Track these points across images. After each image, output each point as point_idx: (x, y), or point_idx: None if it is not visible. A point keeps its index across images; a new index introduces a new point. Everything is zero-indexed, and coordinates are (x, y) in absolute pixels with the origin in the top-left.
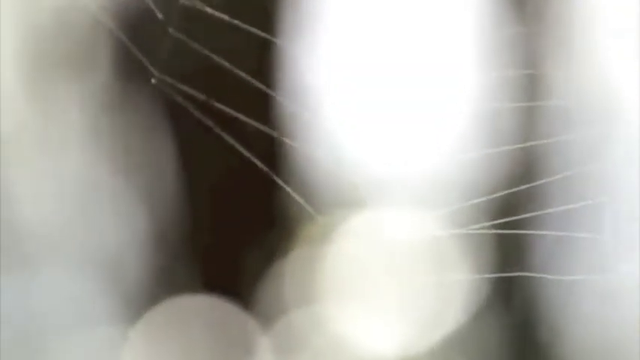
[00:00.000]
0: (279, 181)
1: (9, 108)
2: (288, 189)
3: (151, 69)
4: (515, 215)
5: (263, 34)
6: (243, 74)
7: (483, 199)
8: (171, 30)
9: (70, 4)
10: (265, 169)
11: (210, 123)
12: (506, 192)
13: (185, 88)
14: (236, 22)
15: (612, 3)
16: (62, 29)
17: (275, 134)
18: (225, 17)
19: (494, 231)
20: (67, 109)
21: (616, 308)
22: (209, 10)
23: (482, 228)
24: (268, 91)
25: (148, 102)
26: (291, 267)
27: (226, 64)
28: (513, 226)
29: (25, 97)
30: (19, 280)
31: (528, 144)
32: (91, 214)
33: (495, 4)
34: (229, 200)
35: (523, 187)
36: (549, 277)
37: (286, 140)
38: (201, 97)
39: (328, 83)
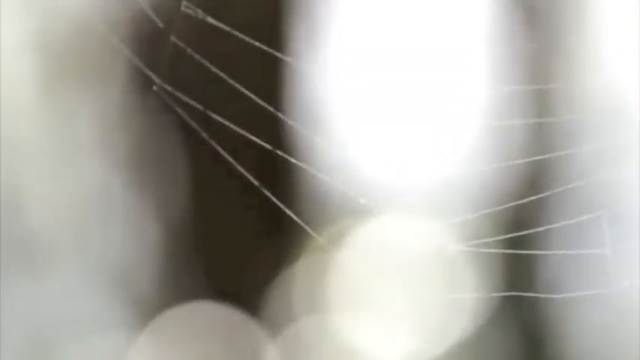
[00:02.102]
0: (275, 200)
1: (23, 119)
2: (286, 210)
3: (153, 77)
4: (522, 229)
5: (266, 48)
6: (243, 88)
7: (491, 210)
8: (172, 38)
9: (78, 17)
10: (257, 183)
11: (205, 134)
12: (514, 204)
13: (185, 98)
14: (237, 34)
15: (621, 17)
16: (75, 40)
17: (276, 148)
18: (227, 28)
19: (501, 249)
20: (80, 119)
21: (623, 323)
22: (210, 19)
23: (490, 242)
24: (267, 105)
25: (157, 112)
26: (299, 275)
27: (229, 78)
28: (521, 240)
29: (39, 108)
30: (29, 287)
31: (537, 157)
32: (101, 222)
33: (505, 18)
34: (238, 208)
35: (531, 198)
36: (556, 291)
37: (288, 153)
38: (199, 107)
39: (334, 94)
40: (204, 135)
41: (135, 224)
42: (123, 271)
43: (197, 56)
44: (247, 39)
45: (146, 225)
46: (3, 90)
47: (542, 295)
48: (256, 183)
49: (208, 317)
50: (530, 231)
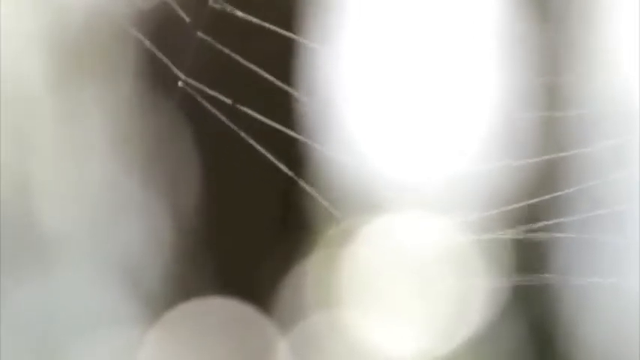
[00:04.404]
0: (305, 186)
1: (37, 113)
2: (314, 193)
3: (178, 72)
4: (536, 222)
5: (291, 36)
6: (270, 77)
7: (506, 207)
8: (198, 33)
9: (98, 9)
10: (290, 172)
11: (234, 127)
12: (531, 202)
13: (211, 91)
14: (265, 24)
15: (634, 11)
16: (90, 35)
17: (300, 138)
18: (255, 20)
19: (513, 243)
20: (94, 114)
21: (634, 314)
22: (238, 13)
23: (504, 234)
24: (295, 93)
25: (173, 107)
26: (310, 270)
27: (254, 67)
28: (532, 232)
29: (53, 102)
30: (40, 284)
31: (551, 150)
32: (112, 218)
33: (518, 13)
34: (249, 203)
35: (546, 196)
36: (569, 283)
37: (311, 144)
38: (227, 100)
39: (354, 88)
40: (235, 128)
41: (146, 221)
42: (134, 268)
43: (225, 50)
44: (278, 29)
45: (157, 221)
46: (17, 86)
47: (554, 283)
48: (291, 174)
49: (220, 313)
50: (549, 222)
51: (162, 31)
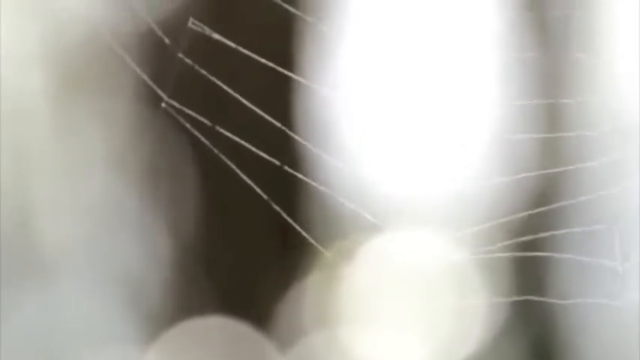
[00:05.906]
0: (282, 213)
1: (36, 129)
2: (294, 223)
3: (161, 93)
4: (532, 242)
5: (272, 64)
6: (250, 104)
7: (500, 221)
8: (179, 55)
9: (88, 32)
10: (265, 197)
11: (215, 149)
12: (525, 214)
13: (193, 113)
14: (244, 51)
15: (633, 30)
16: (88, 53)
17: (284, 164)
18: (232, 44)
19: (509, 258)
20: (93, 130)
21: (631, 334)
22: (216, 35)
23: (500, 251)
24: (274, 120)
25: (167, 127)
26: (309, 290)
27: (232, 91)
28: (530, 250)
29: (52, 118)
30: (39, 300)
31: (549, 167)
32: (111, 235)
33: (516, 31)
34: (248, 223)
35: (541, 209)
36: (566, 301)
37: (297, 169)
38: (207, 123)
39: (341, 109)
40: (215, 150)
41: (145, 238)
42: (133, 286)
43: (204, 72)
44: (253, 55)
45: (156, 239)
46: (13, 103)
47: (552, 301)
48: (265, 197)
49: (218, 332)
50: (539, 235)
51: (148, 52)
